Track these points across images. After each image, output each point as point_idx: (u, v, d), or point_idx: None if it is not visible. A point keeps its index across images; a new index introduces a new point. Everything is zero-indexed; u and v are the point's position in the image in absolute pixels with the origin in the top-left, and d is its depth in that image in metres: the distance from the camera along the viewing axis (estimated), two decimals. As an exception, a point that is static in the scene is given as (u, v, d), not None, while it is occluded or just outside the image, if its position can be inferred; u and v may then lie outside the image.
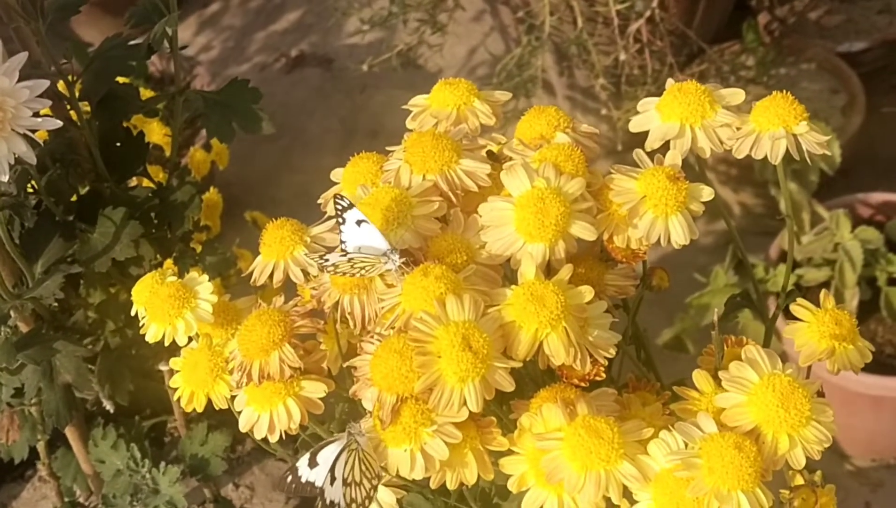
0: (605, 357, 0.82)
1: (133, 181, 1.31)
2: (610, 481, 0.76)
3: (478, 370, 0.77)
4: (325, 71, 2.64)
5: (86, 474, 1.50)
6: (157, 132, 1.54)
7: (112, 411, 1.39)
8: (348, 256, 0.83)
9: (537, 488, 0.79)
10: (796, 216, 1.80)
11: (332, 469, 0.81)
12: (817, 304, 0.89)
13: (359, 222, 0.84)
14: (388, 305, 0.83)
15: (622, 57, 2.03)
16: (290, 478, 0.83)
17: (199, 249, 1.34)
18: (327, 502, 0.81)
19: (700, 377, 0.84)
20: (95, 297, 1.30)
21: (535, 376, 0.87)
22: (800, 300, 0.89)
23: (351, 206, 0.85)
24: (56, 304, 1.24)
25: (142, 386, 1.42)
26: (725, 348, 0.93)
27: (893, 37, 2.28)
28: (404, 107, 0.96)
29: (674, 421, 0.83)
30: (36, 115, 0.93)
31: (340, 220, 0.85)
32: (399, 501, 0.91)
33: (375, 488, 0.82)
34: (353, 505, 0.81)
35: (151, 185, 1.28)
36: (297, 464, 0.83)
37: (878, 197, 1.84)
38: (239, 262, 1.60)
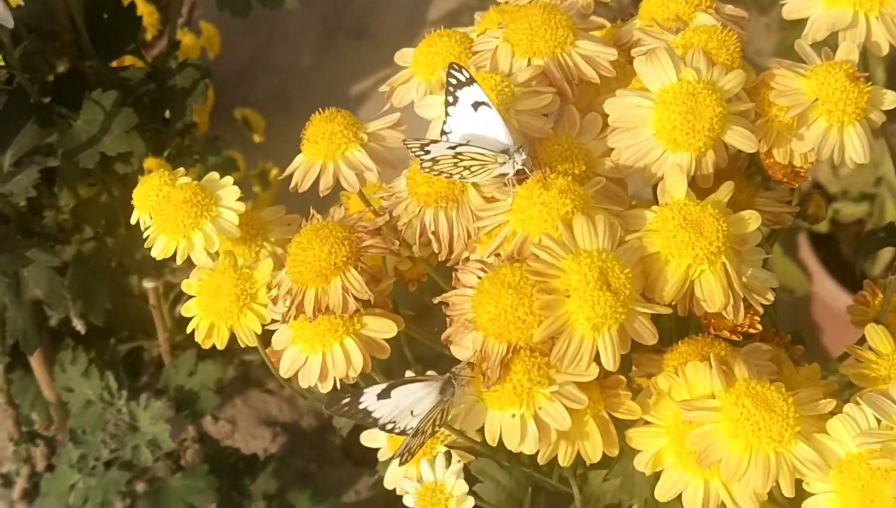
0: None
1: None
2: (781, 466, 0.58)
3: (617, 315, 0.58)
4: (309, -41, 2.40)
5: (47, 401, 1.29)
6: (139, 8, 1.31)
7: (83, 332, 1.18)
8: (457, 148, 0.63)
9: (677, 470, 0.62)
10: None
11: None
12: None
13: (476, 105, 0.64)
14: (491, 225, 0.63)
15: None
16: (347, 399, 0.65)
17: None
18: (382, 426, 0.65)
19: (875, 333, 0.66)
20: (71, 198, 1.08)
21: (666, 324, 0.68)
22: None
23: (471, 81, 0.65)
24: (25, 203, 1.03)
25: (119, 305, 1.22)
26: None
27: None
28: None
29: (834, 388, 0.66)
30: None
31: (451, 99, 0.65)
32: (467, 467, 0.74)
33: (430, 436, 0.65)
34: (406, 454, 0.64)
35: (142, 66, 1.06)
36: (367, 389, 0.64)
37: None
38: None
